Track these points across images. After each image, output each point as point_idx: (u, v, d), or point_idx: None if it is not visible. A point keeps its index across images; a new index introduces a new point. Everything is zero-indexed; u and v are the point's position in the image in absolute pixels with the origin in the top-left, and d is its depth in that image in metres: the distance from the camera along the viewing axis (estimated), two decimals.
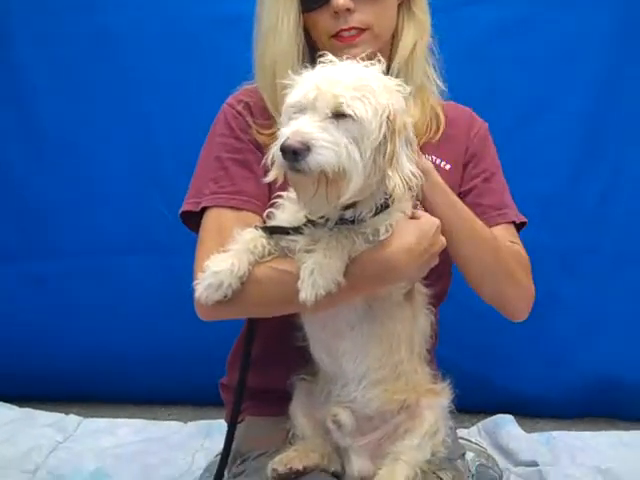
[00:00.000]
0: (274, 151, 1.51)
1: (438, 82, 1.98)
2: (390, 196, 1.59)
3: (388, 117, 1.51)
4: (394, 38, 1.95)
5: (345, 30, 1.83)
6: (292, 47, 1.84)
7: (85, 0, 3.40)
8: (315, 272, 1.51)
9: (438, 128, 1.97)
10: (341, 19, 1.82)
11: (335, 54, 1.64)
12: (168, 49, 3.39)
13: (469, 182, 2.00)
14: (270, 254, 1.68)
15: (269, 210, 1.74)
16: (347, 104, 1.46)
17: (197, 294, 1.63)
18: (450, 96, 2.06)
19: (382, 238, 1.60)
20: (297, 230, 1.64)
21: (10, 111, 3.47)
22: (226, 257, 1.64)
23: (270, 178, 1.60)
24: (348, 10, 1.81)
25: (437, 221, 1.67)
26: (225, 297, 1.63)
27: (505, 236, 1.94)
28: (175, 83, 3.40)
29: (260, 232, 1.68)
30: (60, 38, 3.41)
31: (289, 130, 1.44)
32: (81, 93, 3.45)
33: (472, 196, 1.98)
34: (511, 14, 3.34)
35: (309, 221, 1.63)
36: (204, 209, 1.88)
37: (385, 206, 1.62)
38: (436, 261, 1.70)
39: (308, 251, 1.58)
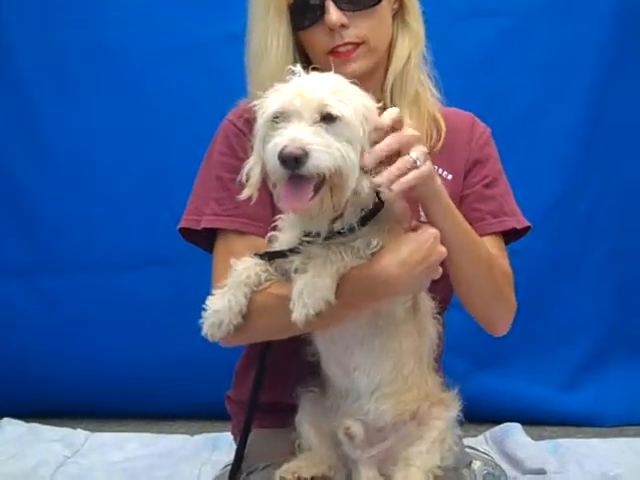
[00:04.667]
0: (253, 166, 1.55)
1: (433, 90, 1.96)
2: (378, 201, 1.59)
3: (365, 117, 1.51)
4: (389, 49, 1.93)
5: (341, 46, 1.82)
6: (282, 67, 1.78)
7: (90, 15, 3.45)
8: (304, 292, 1.50)
9: (440, 136, 1.95)
10: (336, 35, 1.80)
11: (333, 70, 1.62)
12: (177, 63, 3.45)
13: (470, 188, 1.98)
14: (267, 280, 1.67)
15: (271, 234, 1.73)
16: (333, 106, 1.46)
17: (203, 332, 1.65)
18: (452, 103, 2.05)
19: (373, 251, 1.58)
20: (293, 251, 1.63)
21: (18, 127, 3.51)
22: (222, 294, 1.65)
23: (245, 195, 1.59)
24: (342, 26, 1.80)
25: (435, 231, 1.62)
26: (229, 333, 1.64)
27: (493, 248, 1.91)
28: (183, 97, 3.45)
29: (257, 259, 1.68)
30: (64, 53, 3.47)
31: (284, 138, 1.43)
32: (89, 111, 3.50)
33: (471, 201, 1.96)
34: (511, 26, 3.40)
35: (303, 239, 1.63)
36: (205, 228, 1.88)
37: (373, 212, 1.60)
38: (438, 272, 1.65)
39: (302, 270, 1.58)
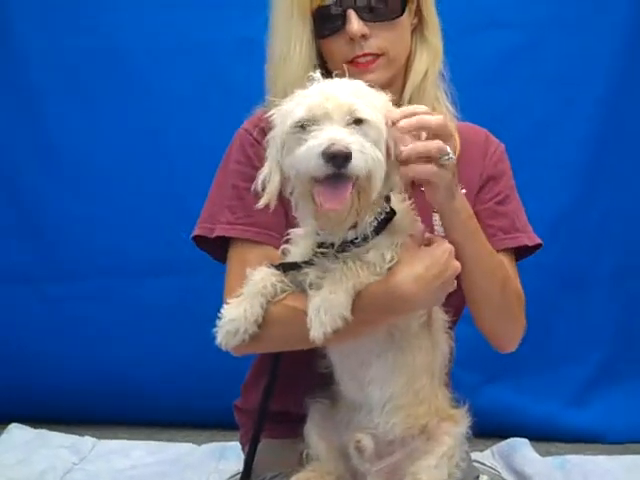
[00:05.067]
0: (269, 175, 1.56)
1: (449, 106, 1.97)
2: (390, 210, 1.60)
3: (386, 119, 1.53)
4: (407, 63, 1.94)
5: (360, 56, 1.83)
6: (303, 74, 1.77)
7: (97, 18, 3.47)
8: (321, 310, 1.50)
9: (454, 151, 1.96)
10: (356, 45, 1.82)
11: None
12: (184, 66, 3.47)
13: (482, 204, 1.98)
14: (283, 291, 1.68)
15: (284, 247, 1.74)
16: (361, 110, 1.47)
17: (217, 341, 1.65)
18: (463, 115, 2.05)
19: (388, 266, 1.58)
20: (308, 263, 1.63)
21: (25, 132, 3.53)
22: (239, 302, 1.65)
23: (263, 204, 1.59)
24: (363, 36, 1.81)
25: (450, 246, 1.63)
26: (244, 341, 1.64)
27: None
28: (195, 103, 3.47)
29: (273, 270, 1.69)
30: (71, 56, 3.49)
31: (324, 138, 1.42)
32: (99, 118, 3.51)
33: (483, 217, 1.94)
34: (523, 38, 3.41)
35: (317, 250, 1.63)
36: (219, 237, 1.89)
37: (386, 221, 1.61)
38: (452, 287, 1.65)
39: (317, 285, 1.58)
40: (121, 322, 3.54)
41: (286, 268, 1.68)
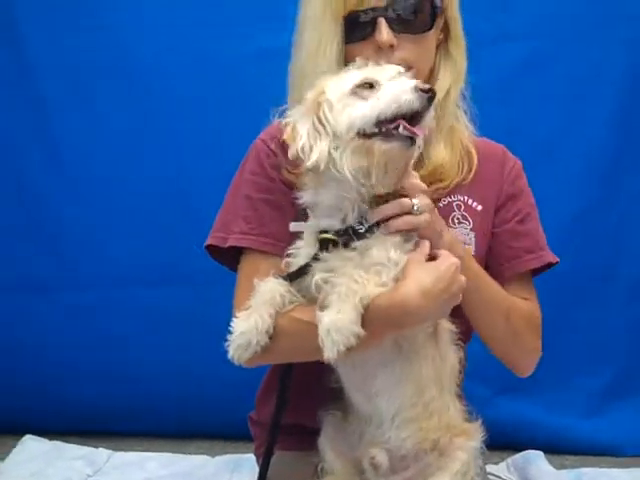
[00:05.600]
0: (308, 141, 1.60)
1: (468, 124, 1.97)
2: None
3: None
4: (429, 78, 1.92)
5: None
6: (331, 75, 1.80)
7: (104, 21, 3.48)
8: (332, 331, 1.50)
9: (470, 168, 1.96)
10: (383, 55, 1.80)
11: None
12: (195, 77, 3.46)
13: (503, 224, 1.99)
14: (291, 302, 1.69)
15: (286, 260, 1.74)
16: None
17: (229, 355, 1.66)
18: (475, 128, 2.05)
19: (394, 275, 1.59)
20: (314, 258, 1.64)
21: (40, 144, 3.55)
22: (248, 314, 1.66)
23: (312, 165, 1.60)
24: (391, 46, 1.80)
25: (456, 260, 1.64)
26: (256, 353, 1.65)
27: (522, 289, 1.97)
28: (205, 113, 3.47)
29: (280, 280, 1.70)
30: (85, 66, 3.49)
31: (411, 81, 1.57)
32: (111, 127, 3.52)
33: (506, 239, 1.98)
34: (534, 51, 3.42)
35: (320, 236, 1.65)
36: (231, 246, 1.90)
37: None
38: (458, 301, 1.67)
39: (324, 288, 1.60)
40: (136, 333, 3.54)
41: (292, 277, 1.69)
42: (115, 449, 3.34)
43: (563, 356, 3.44)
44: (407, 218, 1.63)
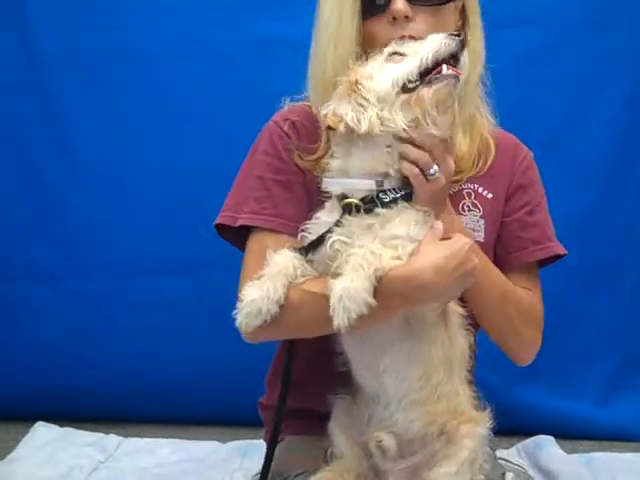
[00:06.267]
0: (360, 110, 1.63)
1: (488, 116, 1.96)
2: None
3: None
4: None
5: (400, 39, 1.79)
6: (353, 54, 1.81)
7: (116, 20, 3.49)
8: (344, 297, 1.50)
9: (486, 161, 1.96)
10: (398, 27, 1.79)
11: None
12: (202, 69, 3.47)
13: (512, 214, 1.99)
14: (303, 275, 1.69)
15: (302, 234, 1.75)
16: None
17: (238, 322, 1.66)
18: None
19: (410, 249, 1.60)
20: (336, 224, 1.65)
21: (47, 134, 3.56)
22: (261, 283, 1.67)
23: (365, 127, 1.62)
24: (406, 18, 1.79)
25: (469, 241, 1.65)
26: (265, 322, 1.65)
27: (527, 280, 1.98)
28: (209, 102, 3.47)
29: (295, 253, 1.70)
30: (94, 58, 3.50)
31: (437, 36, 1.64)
32: (117, 116, 3.53)
33: (514, 229, 1.98)
34: (545, 37, 3.39)
35: (344, 209, 1.66)
36: (242, 226, 1.90)
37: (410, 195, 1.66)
38: (471, 281, 1.67)
39: (342, 243, 1.61)
40: (144, 320, 3.55)
41: (310, 247, 1.69)
42: (126, 435, 3.35)
43: (575, 342, 3.45)
44: (417, 170, 1.64)
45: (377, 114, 1.62)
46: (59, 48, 3.48)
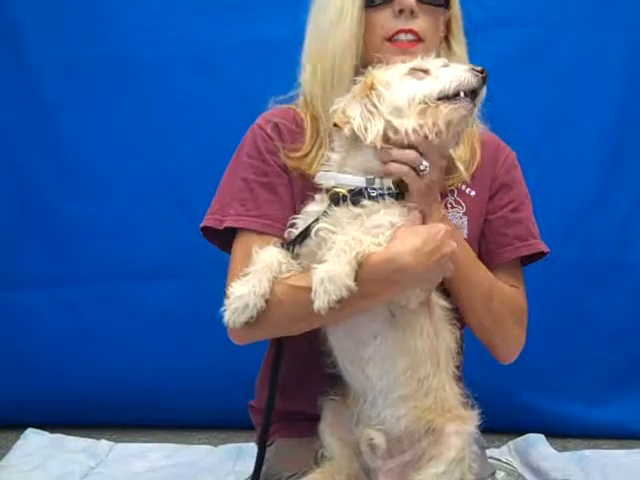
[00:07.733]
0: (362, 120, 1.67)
1: (478, 124, 1.96)
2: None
3: None
4: None
5: (403, 32, 1.82)
6: (353, 42, 1.82)
7: (111, 27, 3.46)
8: (325, 280, 1.54)
9: (474, 164, 1.98)
10: (402, 19, 1.81)
11: (389, 60, 1.75)
12: (191, 74, 3.45)
13: (497, 212, 2.00)
14: (288, 271, 1.72)
15: (289, 230, 1.79)
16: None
17: (225, 319, 1.69)
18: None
19: (388, 236, 1.62)
20: (323, 214, 1.69)
21: (38, 140, 3.52)
22: (247, 279, 1.70)
23: (373, 141, 1.66)
24: (412, 12, 1.80)
25: (445, 226, 1.68)
26: (252, 318, 1.68)
27: (511, 277, 1.99)
28: (199, 105, 3.46)
29: (279, 249, 1.74)
30: (84, 63, 3.47)
31: (459, 66, 1.70)
32: (110, 122, 3.50)
33: (498, 226, 1.99)
34: (534, 36, 3.39)
35: (332, 198, 1.70)
36: (227, 228, 1.91)
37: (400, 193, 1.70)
38: (451, 265, 1.70)
39: (327, 232, 1.65)
40: (135, 325, 3.53)
41: (297, 239, 1.73)
42: (117, 440, 3.35)
43: (566, 341, 3.45)
44: (406, 168, 1.67)
45: (384, 129, 1.67)
46: (49, 55, 3.46)
